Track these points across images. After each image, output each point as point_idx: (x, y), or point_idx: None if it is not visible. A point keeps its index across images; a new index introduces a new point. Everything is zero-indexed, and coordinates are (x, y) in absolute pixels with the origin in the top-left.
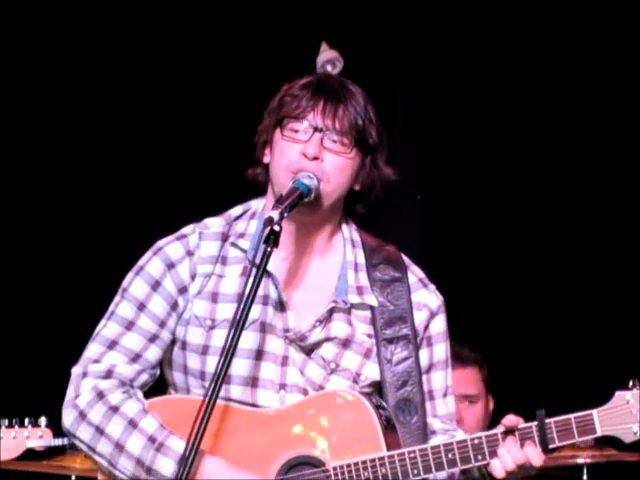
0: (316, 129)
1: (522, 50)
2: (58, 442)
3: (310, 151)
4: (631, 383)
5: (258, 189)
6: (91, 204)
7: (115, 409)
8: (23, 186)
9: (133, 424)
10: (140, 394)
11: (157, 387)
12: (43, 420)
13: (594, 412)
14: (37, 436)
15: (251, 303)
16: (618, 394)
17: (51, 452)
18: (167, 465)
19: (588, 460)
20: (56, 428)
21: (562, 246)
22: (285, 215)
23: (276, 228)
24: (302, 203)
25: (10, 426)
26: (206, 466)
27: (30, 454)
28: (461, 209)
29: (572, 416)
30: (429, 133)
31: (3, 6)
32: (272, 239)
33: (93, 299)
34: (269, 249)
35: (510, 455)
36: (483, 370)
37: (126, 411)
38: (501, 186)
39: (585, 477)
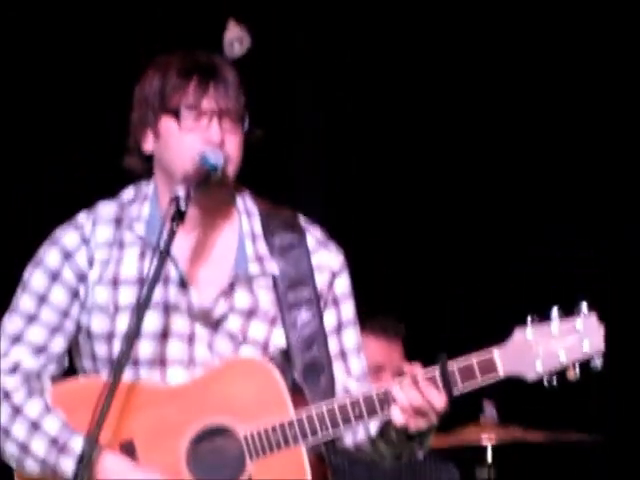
0: (214, 114)
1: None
2: None
3: (215, 137)
4: (529, 319)
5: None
6: (62, 202)
7: (18, 410)
8: None
9: (35, 426)
10: (46, 385)
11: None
12: None
13: (495, 351)
14: None
15: (155, 283)
16: (517, 331)
17: None
18: (70, 466)
19: (493, 441)
20: None
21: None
22: (192, 194)
23: (182, 206)
24: (209, 181)
25: None
26: (107, 465)
27: None
28: (366, 173)
29: (473, 359)
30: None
31: (3, 6)
32: (178, 217)
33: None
34: (175, 227)
35: (407, 396)
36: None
37: (28, 412)
38: (406, 152)
39: (489, 458)
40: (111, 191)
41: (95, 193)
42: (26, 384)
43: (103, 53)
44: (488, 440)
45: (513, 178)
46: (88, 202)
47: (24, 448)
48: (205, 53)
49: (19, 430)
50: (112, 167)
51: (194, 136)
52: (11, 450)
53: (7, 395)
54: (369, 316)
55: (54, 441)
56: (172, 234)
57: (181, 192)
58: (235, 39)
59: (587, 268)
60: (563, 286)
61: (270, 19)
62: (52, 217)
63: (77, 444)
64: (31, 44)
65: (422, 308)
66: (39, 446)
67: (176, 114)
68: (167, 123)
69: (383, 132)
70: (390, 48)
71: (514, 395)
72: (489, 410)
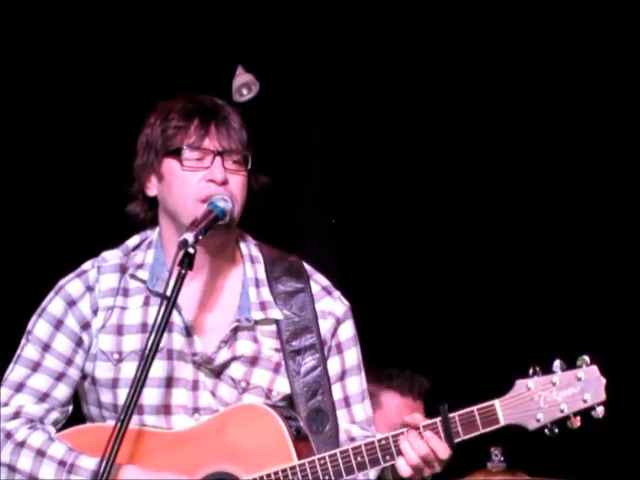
0: (216, 153)
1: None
2: None
3: (219, 176)
4: (531, 370)
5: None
6: (62, 202)
7: (22, 444)
8: None
9: (41, 454)
10: (50, 428)
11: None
12: None
13: (496, 402)
14: None
15: (163, 332)
16: (519, 382)
17: None
18: None
19: None
20: None
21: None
22: (200, 237)
23: (191, 250)
24: (217, 226)
25: None
26: (123, 473)
27: None
28: (375, 231)
29: (475, 408)
30: (343, 158)
31: (3, 6)
32: (187, 262)
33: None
34: (183, 272)
35: (413, 448)
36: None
37: (32, 443)
38: (416, 208)
39: None
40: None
41: (95, 194)
42: (28, 424)
43: (103, 54)
44: None
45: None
46: (88, 205)
47: (32, 478)
48: (208, 96)
49: (25, 462)
50: (112, 167)
51: (196, 175)
52: None
53: (9, 435)
54: (391, 373)
55: (62, 463)
56: (181, 278)
57: (189, 236)
58: (243, 85)
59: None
60: (564, 336)
61: (276, 65)
62: (52, 217)
63: (85, 462)
64: (31, 44)
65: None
66: (47, 472)
67: (178, 154)
68: (170, 164)
69: (387, 138)
70: (392, 79)
71: (521, 442)
72: (496, 457)
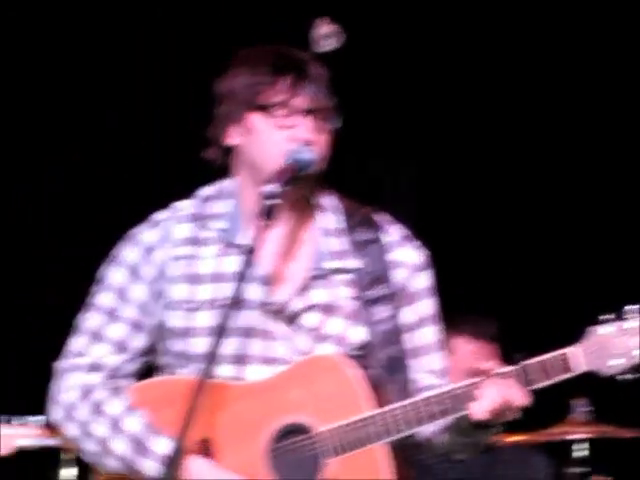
0: (304, 112)
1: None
2: (51, 442)
3: (306, 135)
4: (602, 317)
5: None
6: (62, 202)
7: (99, 408)
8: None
9: (116, 426)
10: (128, 383)
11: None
12: (35, 419)
13: (569, 350)
14: (28, 435)
15: (242, 282)
16: (590, 329)
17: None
18: (150, 467)
19: (582, 437)
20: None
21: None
22: (284, 189)
23: (275, 201)
24: (299, 177)
25: (1, 424)
26: (192, 466)
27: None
28: (457, 188)
29: (549, 356)
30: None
31: (3, 6)
32: (269, 213)
33: (74, 293)
34: (266, 223)
35: (489, 395)
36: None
37: (110, 412)
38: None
39: (581, 453)
40: (112, 194)
41: (95, 193)
42: (108, 382)
43: (103, 54)
44: (578, 436)
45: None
46: (89, 203)
47: (104, 446)
48: (295, 49)
49: (99, 429)
50: (112, 167)
51: (283, 133)
52: (90, 447)
53: (88, 392)
54: (462, 319)
55: (135, 440)
56: (262, 230)
57: (273, 188)
58: (325, 36)
59: None
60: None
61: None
62: (52, 217)
63: (158, 445)
64: (31, 44)
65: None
66: (119, 445)
67: (266, 110)
68: (256, 119)
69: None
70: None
71: (604, 393)
72: (578, 408)
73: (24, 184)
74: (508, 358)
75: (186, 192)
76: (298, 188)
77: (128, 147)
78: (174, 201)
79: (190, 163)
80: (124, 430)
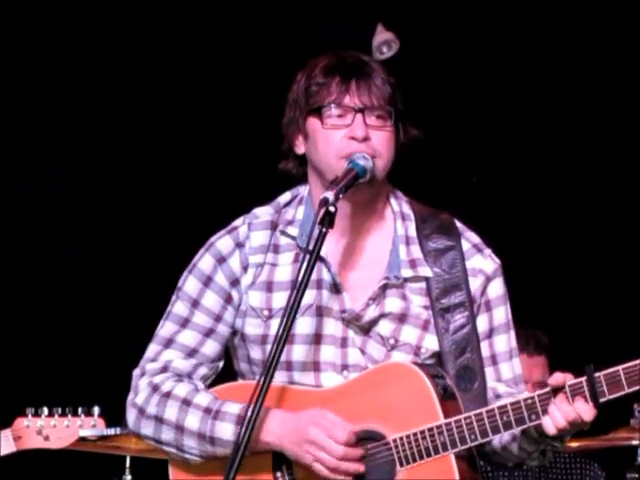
0: (357, 110)
1: None
2: (110, 432)
3: (360, 133)
4: None
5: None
6: (62, 202)
7: (168, 394)
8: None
9: (187, 403)
10: (199, 385)
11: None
12: (96, 409)
13: None
14: (90, 425)
15: (305, 288)
16: None
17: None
18: (227, 429)
19: None
20: (109, 418)
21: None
22: (341, 196)
23: (331, 209)
24: (357, 183)
25: (63, 415)
26: (270, 418)
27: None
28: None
29: (620, 367)
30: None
31: (3, 6)
32: (327, 220)
33: (154, 298)
34: (324, 230)
35: (560, 411)
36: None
37: (178, 393)
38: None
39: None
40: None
41: (95, 193)
42: (174, 377)
43: (103, 53)
44: (639, 442)
45: None
46: (88, 205)
47: (178, 427)
48: (352, 52)
49: (171, 412)
50: (112, 167)
51: (338, 132)
52: (167, 436)
53: (156, 387)
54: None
55: (207, 410)
56: (322, 237)
57: (330, 195)
58: (383, 42)
59: None
60: None
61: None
62: (52, 217)
63: (230, 408)
64: (31, 44)
65: (564, 319)
66: (193, 420)
67: (319, 112)
68: (313, 122)
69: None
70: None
71: None
72: (639, 414)
73: (24, 184)
74: (560, 369)
75: (186, 192)
76: (358, 194)
77: (128, 147)
78: (173, 201)
79: (190, 163)
80: (195, 405)
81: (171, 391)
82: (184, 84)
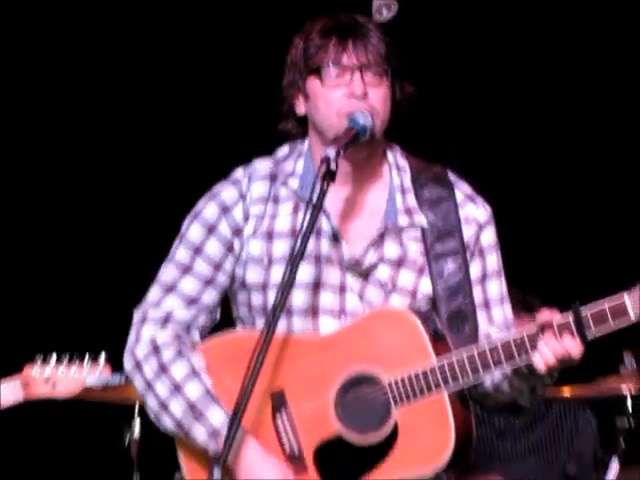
0: (355, 68)
1: None
2: (116, 380)
3: (358, 90)
4: None
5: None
6: (152, 155)
7: (165, 368)
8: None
9: (177, 388)
10: (195, 337)
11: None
12: (102, 356)
13: (625, 296)
14: (96, 373)
15: (307, 240)
16: None
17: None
18: (201, 435)
19: (633, 391)
20: (114, 364)
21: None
22: (342, 154)
23: (333, 166)
24: (358, 141)
25: (71, 362)
26: (245, 451)
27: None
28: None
29: (605, 304)
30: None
31: (3, 6)
32: (329, 176)
33: (156, 240)
34: (325, 187)
35: (549, 348)
36: None
37: (173, 373)
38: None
39: (629, 407)
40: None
41: (95, 193)
42: (177, 340)
43: (103, 53)
44: (628, 390)
45: None
46: (88, 205)
47: (163, 406)
48: (348, 14)
49: (161, 388)
50: (112, 167)
51: (338, 91)
52: (151, 404)
53: (157, 350)
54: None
55: (192, 407)
56: (323, 192)
57: (331, 153)
58: (383, 5)
59: None
60: None
61: None
62: (52, 217)
63: (213, 415)
64: (31, 44)
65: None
66: (177, 408)
67: (319, 72)
68: (313, 83)
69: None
70: None
71: None
72: (629, 361)
73: (24, 184)
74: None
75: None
76: (357, 151)
77: (128, 147)
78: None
79: (190, 163)
80: (184, 394)
81: (169, 366)
82: (184, 84)
